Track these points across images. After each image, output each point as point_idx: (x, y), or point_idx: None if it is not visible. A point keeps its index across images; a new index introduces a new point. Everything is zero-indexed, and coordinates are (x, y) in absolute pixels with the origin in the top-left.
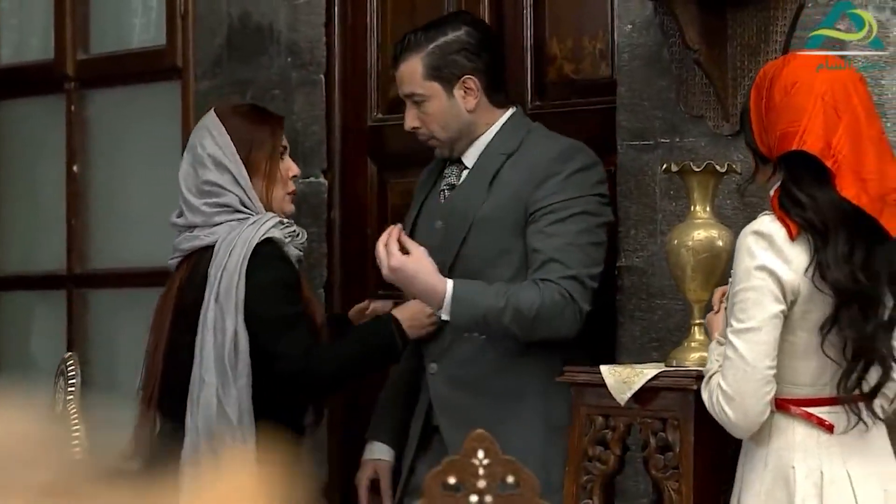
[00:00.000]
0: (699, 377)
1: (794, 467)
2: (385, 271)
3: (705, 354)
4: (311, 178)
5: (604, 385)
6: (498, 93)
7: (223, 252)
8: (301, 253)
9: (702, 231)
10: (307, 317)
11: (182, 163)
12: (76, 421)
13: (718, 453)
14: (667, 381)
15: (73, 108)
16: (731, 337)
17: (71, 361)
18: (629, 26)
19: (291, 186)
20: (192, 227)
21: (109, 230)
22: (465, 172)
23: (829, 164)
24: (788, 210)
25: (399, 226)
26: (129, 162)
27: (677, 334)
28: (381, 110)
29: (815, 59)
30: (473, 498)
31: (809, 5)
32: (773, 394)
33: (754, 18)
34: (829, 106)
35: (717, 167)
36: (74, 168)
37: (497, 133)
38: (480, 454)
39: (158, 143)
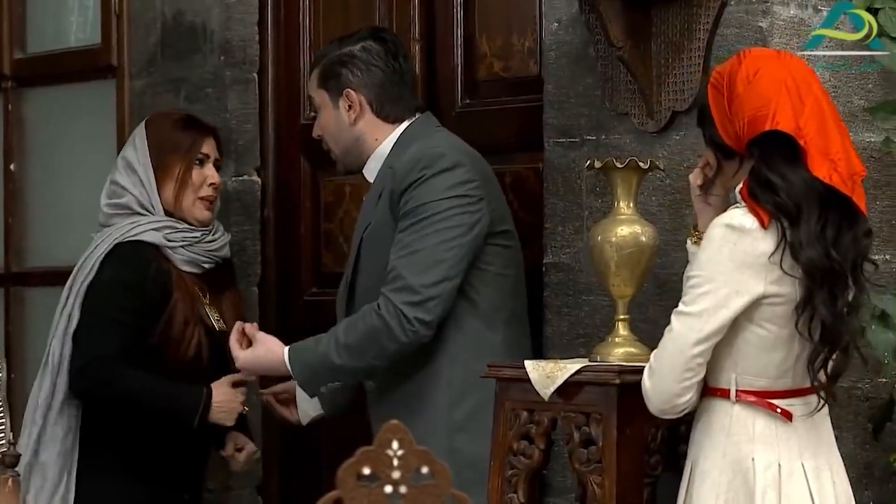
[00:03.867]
0: (622, 371)
1: (753, 459)
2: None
3: (629, 349)
4: (245, 177)
5: (528, 380)
6: (388, 108)
7: (90, 246)
8: (204, 258)
9: (625, 227)
10: (170, 318)
11: None
12: (1, 417)
13: (641, 448)
14: (590, 375)
15: (9, 106)
16: (673, 316)
17: None
18: (556, 24)
19: (206, 192)
20: (100, 227)
21: (46, 228)
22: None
23: (801, 143)
24: (758, 197)
25: (241, 324)
26: (66, 160)
27: (604, 330)
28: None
29: (771, 51)
30: (388, 488)
31: (732, 3)
32: (694, 382)
33: (678, 16)
34: (793, 91)
35: (640, 163)
36: (11, 167)
37: (393, 146)
38: (395, 445)
39: (94, 141)
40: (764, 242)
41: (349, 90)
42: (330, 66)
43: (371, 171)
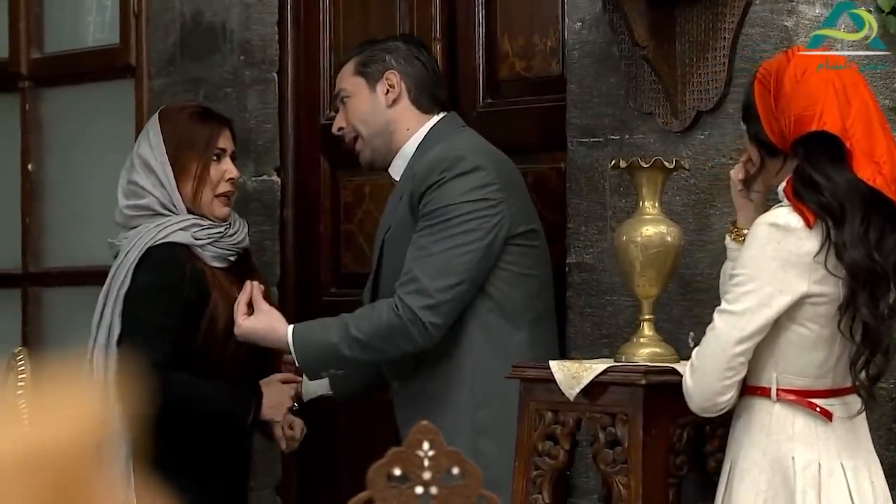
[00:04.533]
0: (648, 372)
1: (793, 458)
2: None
3: (654, 350)
4: (265, 177)
5: (553, 380)
6: (423, 98)
7: (122, 251)
8: (229, 252)
9: (650, 227)
10: (212, 319)
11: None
12: (26, 416)
13: (668, 448)
14: (616, 376)
15: (27, 106)
16: (715, 314)
17: (21, 356)
18: (579, 23)
19: (225, 188)
20: (119, 229)
21: (64, 229)
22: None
23: (847, 144)
24: (803, 196)
25: (254, 284)
26: (84, 160)
27: (627, 330)
28: (333, 108)
29: (817, 57)
30: (419, 489)
31: (757, 2)
32: (735, 380)
33: (703, 15)
34: (840, 92)
35: (666, 163)
36: (29, 167)
37: (419, 146)
38: (426, 445)
39: (112, 141)
40: (808, 242)
41: (391, 72)
42: (372, 53)
43: (397, 170)
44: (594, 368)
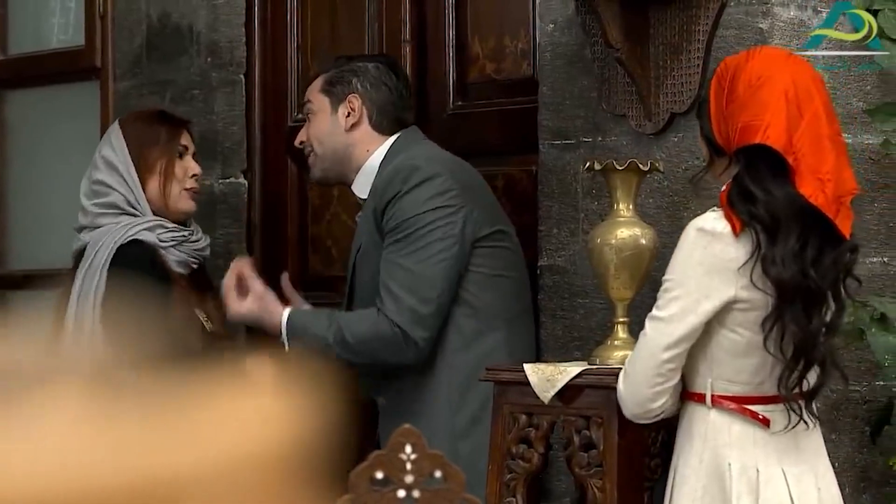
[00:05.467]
0: None
1: (729, 464)
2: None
3: (629, 353)
4: (232, 179)
5: (527, 383)
6: (384, 122)
7: (89, 252)
8: (192, 258)
9: (625, 229)
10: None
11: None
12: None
13: (642, 451)
14: (590, 378)
15: None
16: (647, 320)
17: None
18: (551, 25)
19: (190, 184)
20: (81, 229)
21: (28, 231)
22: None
23: (789, 160)
24: (735, 205)
25: (242, 260)
26: (49, 163)
27: (599, 333)
28: (301, 111)
29: (781, 54)
30: (401, 493)
31: (732, 4)
32: (666, 387)
33: (677, 17)
34: (793, 104)
35: (641, 165)
36: None
37: (381, 162)
38: (408, 449)
39: (77, 143)
40: (735, 249)
41: (353, 96)
42: (340, 74)
43: (361, 187)
44: (569, 371)
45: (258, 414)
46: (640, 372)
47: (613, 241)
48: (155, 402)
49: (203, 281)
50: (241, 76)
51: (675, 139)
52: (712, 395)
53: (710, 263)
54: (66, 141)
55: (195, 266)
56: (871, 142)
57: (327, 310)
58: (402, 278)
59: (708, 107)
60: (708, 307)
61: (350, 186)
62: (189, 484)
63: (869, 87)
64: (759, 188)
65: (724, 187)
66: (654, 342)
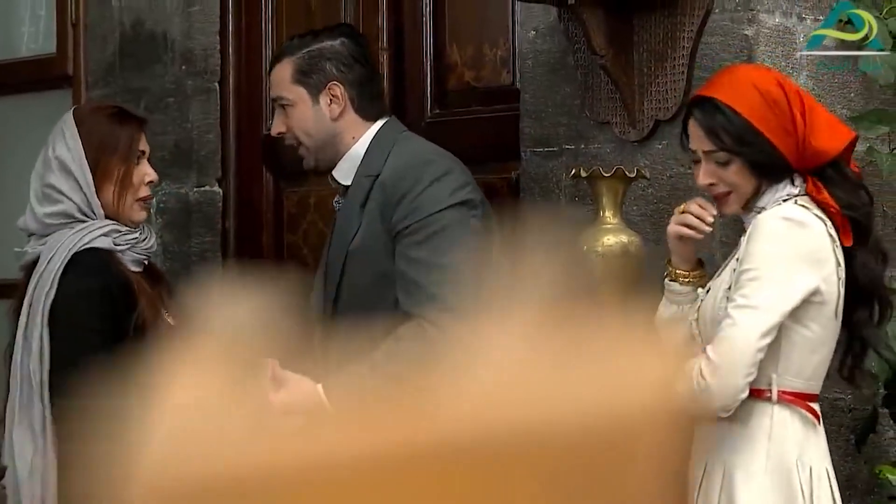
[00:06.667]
0: None
1: (797, 461)
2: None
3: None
4: (206, 187)
5: None
6: (367, 105)
7: (42, 260)
8: (145, 257)
9: (612, 236)
10: (136, 326)
11: (36, 163)
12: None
13: None
14: None
15: None
16: (733, 311)
17: None
18: (532, 33)
19: (144, 192)
20: (29, 235)
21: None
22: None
23: (857, 169)
24: (839, 207)
25: (273, 367)
26: (19, 172)
27: None
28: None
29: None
30: None
31: (717, 11)
32: (752, 378)
33: (661, 24)
34: (834, 120)
35: (627, 172)
36: None
37: (366, 151)
38: None
39: None
40: (820, 238)
41: (333, 84)
42: (310, 60)
43: (343, 173)
44: None
45: (660, 373)
46: (736, 362)
47: (600, 249)
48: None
49: (155, 274)
50: (216, 84)
51: (660, 147)
52: (778, 391)
53: (798, 252)
54: (37, 150)
55: (146, 263)
56: (855, 149)
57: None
58: (436, 276)
59: (758, 137)
60: (797, 295)
61: (330, 171)
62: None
63: (853, 95)
64: (845, 196)
65: (823, 192)
66: (750, 330)
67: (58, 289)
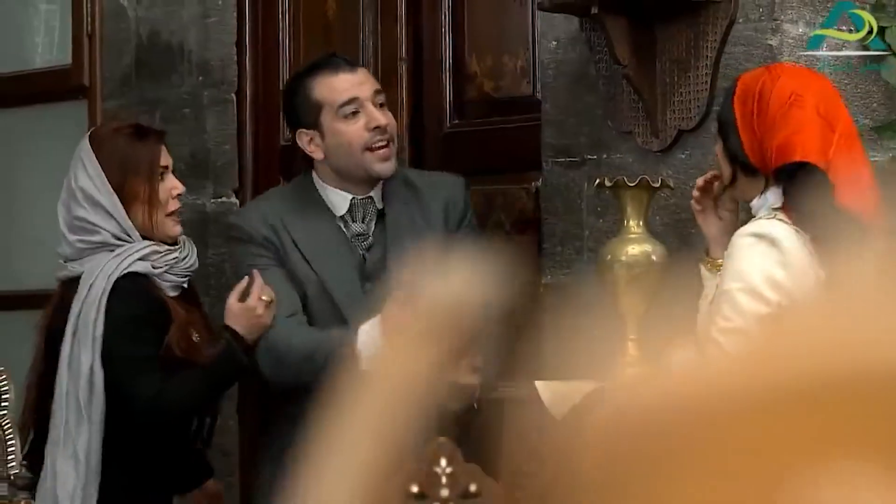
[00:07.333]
0: None
1: None
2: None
3: (640, 370)
4: (223, 198)
5: (538, 399)
6: None
7: (84, 285)
8: (182, 279)
9: (636, 246)
10: (168, 348)
11: (62, 192)
12: (11, 436)
13: None
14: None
15: None
16: (716, 335)
17: (2, 377)
18: (554, 43)
19: (174, 206)
20: (67, 260)
21: (12, 251)
22: (372, 223)
23: (830, 176)
24: (803, 223)
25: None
26: (35, 183)
27: (604, 351)
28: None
29: (804, 69)
30: None
31: (740, 20)
32: None
33: (684, 33)
34: (824, 118)
35: (652, 182)
36: None
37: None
38: (443, 462)
39: (65, 163)
40: (795, 253)
41: None
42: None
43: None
44: (582, 389)
45: None
46: None
47: (624, 258)
48: None
49: (192, 297)
50: (233, 95)
51: (683, 156)
52: None
53: (763, 270)
54: (52, 162)
55: (185, 285)
56: (878, 159)
57: None
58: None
59: (733, 127)
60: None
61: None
62: None
63: (875, 105)
64: (807, 204)
65: (767, 201)
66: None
67: (106, 316)
